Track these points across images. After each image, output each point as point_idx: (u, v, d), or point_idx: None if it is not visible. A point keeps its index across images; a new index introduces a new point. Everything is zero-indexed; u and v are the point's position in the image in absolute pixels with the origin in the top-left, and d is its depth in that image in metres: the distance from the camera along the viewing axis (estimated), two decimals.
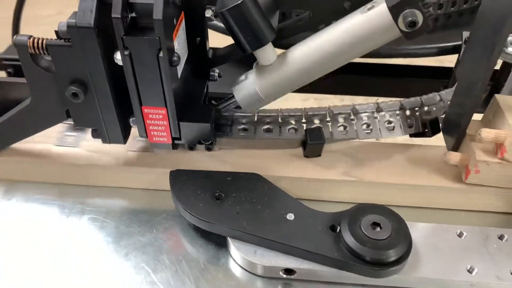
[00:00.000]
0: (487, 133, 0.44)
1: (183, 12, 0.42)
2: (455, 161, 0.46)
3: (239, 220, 0.43)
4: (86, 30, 0.37)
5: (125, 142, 0.46)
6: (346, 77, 0.85)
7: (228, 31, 0.41)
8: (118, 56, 0.39)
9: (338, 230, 0.42)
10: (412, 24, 0.37)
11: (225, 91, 0.53)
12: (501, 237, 0.44)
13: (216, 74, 0.50)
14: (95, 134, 0.46)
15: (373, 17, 0.39)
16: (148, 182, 0.50)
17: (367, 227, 0.41)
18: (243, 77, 0.45)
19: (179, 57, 0.40)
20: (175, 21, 0.40)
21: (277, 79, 0.44)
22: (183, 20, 0.43)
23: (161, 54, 0.38)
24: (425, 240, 0.44)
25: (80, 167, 0.50)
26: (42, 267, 0.43)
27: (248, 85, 0.45)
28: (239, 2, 0.38)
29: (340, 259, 0.40)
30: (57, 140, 0.52)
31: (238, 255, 0.43)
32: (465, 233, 0.45)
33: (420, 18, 0.37)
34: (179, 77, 0.43)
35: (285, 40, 0.46)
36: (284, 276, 0.43)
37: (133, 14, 0.38)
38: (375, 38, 0.39)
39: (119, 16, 0.36)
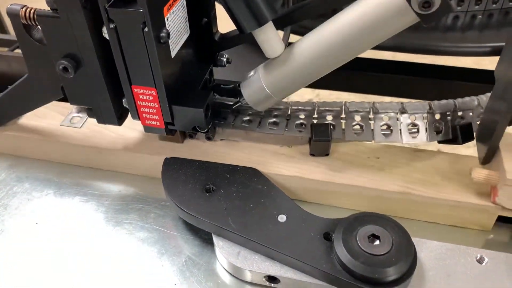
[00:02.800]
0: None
1: None
2: (480, 178, 0.39)
3: (225, 217, 0.40)
4: (72, 0, 0.35)
5: (119, 124, 0.44)
6: (394, 77, 0.78)
7: (224, 8, 0.37)
8: (105, 30, 0.37)
9: (332, 238, 0.37)
10: (427, 4, 0.31)
11: (237, 78, 0.49)
12: None
13: (225, 60, 0.46)
14: (90, 113, 0.44)
15: None
16: (145, 169, 0.48)
17: (364, 239, 0.36)
18: (252, 72, 0.42)
19: (168, 34, 0.37)
20: None
21: (284, 73, 0.39)
22: None
23: (146, 29, 0.35)
24: (436, 262, 0.38)
25: (80, 148, 0.48)
26: (21, 238, 0.43)
27: (255, 81, 0.41)
28: None
29: (328, 271, 0.36)
30: (63, 120, 0.51)
31: (221, 255, 0.39)
32: (486, 259, 0.38)
33: None
34: (172, 56, 0.40)
35: (298, 24, 0.42)
36: (267, 283, 0.38)
37: None
38: (389, 23, 0.34)
39: None
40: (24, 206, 0.46)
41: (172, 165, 0.44)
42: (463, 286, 0.36)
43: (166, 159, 0.45)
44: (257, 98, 0.41)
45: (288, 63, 0.38)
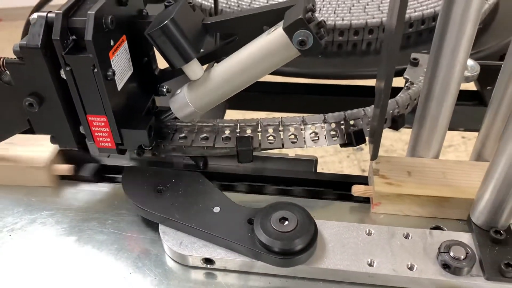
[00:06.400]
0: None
1: (124, 35, 0.50)
2: (359, 194, 0.52)
3: (172, 210, 0.50)
4: (35, 50, 0.45)
5: (78, 148, 0.53)
6: (320, 98, 0.91)
7: (157, 49, 0.48)
8: (63, 72, 0.46)
9: (253, 223, 0.47)
10: (302, 43, 0.43)
11: None
12: (406, 236, 0.48)
13: (165, 90, 0.57)
14: (52, 140, 0.53)
15: (274, 37, 0.45)
16: None
17: (276, 221, 0.46)
18: (178, 90, 0.52)
19: (114, 73, 0.47)
20: (112, 42, 0.47)
21: (204, 92, 0.50)
22: (125, 42, 0.50)
23: (95, 70, 0.45)
24: (335, 236, 0.49)
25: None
26: None
27: (181, 98, 0.51)
28: (162, 25, 0.45)
29: (250, 248, 0.46)
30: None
31: (166, 245, 0.49)
32: (373, 231, 0.49)
33: (310, 38, 0.43)
34: (119, 90, 0.50)
35: (220, 59, 0.53)
36: (205, 265, 0.48)
37: (74, 37, 0.45)
38: (278, 55, 0.46)
39: (58, 38, 0.44)
40: None
41: (130, 173, 0.54)
42: (355, 252, 0.47)
43: (126, 167, 0.55)
44: (184, 112, 0.52)
45: (206, 84, 0.50)
